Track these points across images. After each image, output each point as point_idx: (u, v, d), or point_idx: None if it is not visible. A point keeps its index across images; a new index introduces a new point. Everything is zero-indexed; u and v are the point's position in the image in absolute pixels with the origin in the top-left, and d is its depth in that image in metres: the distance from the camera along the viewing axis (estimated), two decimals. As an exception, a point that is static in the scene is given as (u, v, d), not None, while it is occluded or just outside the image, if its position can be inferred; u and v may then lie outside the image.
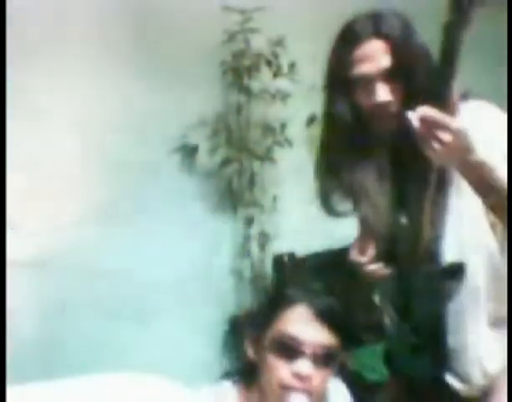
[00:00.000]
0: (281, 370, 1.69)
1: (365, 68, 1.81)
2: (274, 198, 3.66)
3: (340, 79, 1.89)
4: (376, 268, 1.94)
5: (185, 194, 3.55)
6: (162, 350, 3.37)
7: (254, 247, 3.62)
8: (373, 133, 1.88)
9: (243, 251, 3.64)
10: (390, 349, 2.08)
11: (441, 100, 1.59)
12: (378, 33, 1.80)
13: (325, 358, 1.71)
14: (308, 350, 1.69)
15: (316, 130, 3.72)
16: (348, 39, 1.85)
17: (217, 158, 3.57)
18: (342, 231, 3.28)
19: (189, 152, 3.54)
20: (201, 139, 3.54)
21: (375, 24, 1.81)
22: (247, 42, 3.52)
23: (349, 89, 1.87)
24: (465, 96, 1.82)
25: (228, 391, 1.79)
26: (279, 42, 3.52)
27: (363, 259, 1.95)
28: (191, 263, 3.53)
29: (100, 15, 3.37)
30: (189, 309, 3.48)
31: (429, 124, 1.57)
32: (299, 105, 3.61)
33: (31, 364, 3.05)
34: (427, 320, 1.90)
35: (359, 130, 1.89)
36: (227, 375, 1.84)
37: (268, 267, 3.58)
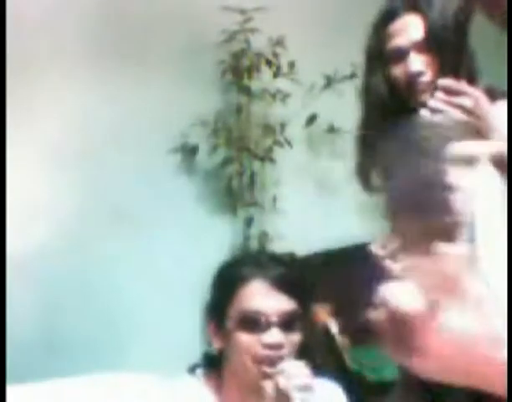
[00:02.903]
0: (252, 346, 1.73)
1: (398, 40, 1.89)
2: (274, 198, 3.66)
3: (377, 54, 1.95)
4: (393, 263, 1.94)
5: (185, 194, 3.54)
6: (161, 350, 3.37)
7: (254, 247, 3.62)
8: (408, 108, 1.91)
9: (243, 251, 3.64)
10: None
11: (466, 73, 1.66)
12: (412, 8, 1.88)
13: (290, 323, 1.75)
14: (273, 319, 1.73)
15: (317, 129, 3.74)
16: (384, 15, 1.94)
17: (217, 158, 3.56)
18: (342, 231, 3.29)
19: (189, 152, 3.54)
20: (201, 139, 3.53)
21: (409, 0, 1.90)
22: (247, 42, 3.52)
23: (385, 63, 1.93)
24: (492, 95, 1.84)
25: (198, 383, 1.81)
26: (279, 42, 3.51)
27: (383, 252, 1.95)
28: (191, 263, 3.53)
29: (99, 16, 3.37)
30: (189, 309, 3.47)
31: (450, 93, 1.63)
32: (299, 105, 3.61)
33: (31, 364, 3.05)
34: None
35: (394, 104, 1.94)
36: (194, 367, 1.86)
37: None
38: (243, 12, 3.44)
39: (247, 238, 3.63)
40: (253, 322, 1.74)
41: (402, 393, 2.14)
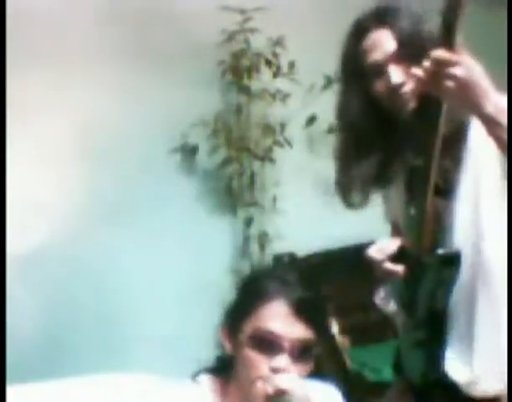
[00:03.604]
0: (259, 365, 1.69)
1: (374, 55, 1.89)
2: (274, 198, 3.66)
3: (355, 73, 1.95)
4: (391, 267, 1.94)
5: (185, 194, 3.55)
6: (161, 350, 3.37)
7: (254, 247, 3.62)
8: (389, 121, 1.92)
9: (243, 251, 3.64)
10: (397, 348, 2.08)
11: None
12: (381, 23, 1.90)
13: (302, 353, 1.71)
14: (286, 345, 1.69)
15: (317, 129, 3.74)
16: (356, 33, 1.95)
17: (217, 158, 3.56)
18: (342, 231, 3.29)
19: (189, 152, 3.54)
20: (201, 139, 3.54)
21: (378, 16, 1.92)
22: (246, 42, 3.52)
23: (364, 79, 1.93)
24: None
25: (206, 386, 1.80)
26: (279, 42, 3.52)
27: (380, 256, 1.95)
28: (190, 263, 3.53)
29: (99, 16, 3.37)
30: (188, 309, 3.48)
31: (441, 65, 1.63)
32: (299, 105, 3.61)
33: (31, 364, 3.05)
34: (432, 314, 1.90)
35: (376, 120, 1.95)
36: (204, 370, 1.85)
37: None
38: (242, 12, 3.44)
39: (247, 238, 3.63)
40: (265, 342, 1.69)
41: (396, 395, 2.14)
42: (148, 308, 3.42)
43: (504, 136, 1.70)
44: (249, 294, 1.80)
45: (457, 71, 1.63)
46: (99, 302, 3.34)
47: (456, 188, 1.89)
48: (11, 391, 1.77)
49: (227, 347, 1.78)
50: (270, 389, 1.67)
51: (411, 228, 1.92)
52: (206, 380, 1.81)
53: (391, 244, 1.95)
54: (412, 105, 1.86)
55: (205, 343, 3.48)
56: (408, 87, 1.86)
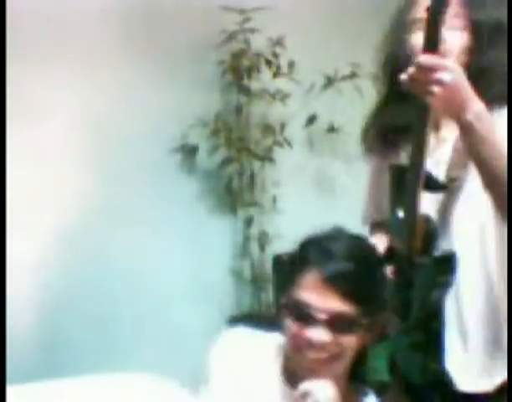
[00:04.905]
0: (295, 334, 1.67)
1: (416, 11, 1.91)
2: (274, 198, 3.66)
3: (399, 27, 1.97)
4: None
5: (185, 194, 3.54)
6: (161, 350, 3.37)
7: (254, 247, 3.62)
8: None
9: (243, 251, 3.64)
10: (392, 351, 2.08)
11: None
12: None
13: (341, 326, 1.65)
14: (322, 316, 1.64)
15: (317, 129, 3.75)
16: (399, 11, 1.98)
17: (217, 158, 3.57)
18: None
19: (189, 152, 3.54)
20: (201, 139, 3.54)
21: None
22: (246, 42, 3.52)
23: (405, 33, 1.94)
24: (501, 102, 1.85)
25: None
26: (279, 42, 3.52)
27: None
28: (190, 263, 3.53)
29: (100, 16, 3.37)
30: (189, 309, 3.48)
31: (428, 69, 1.63)
32: (299, 105, 3.61)
33: (31, 364, 3.06)
34: (427, 316, 1.90)
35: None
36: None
37: (268, 267, 3.58)
38: (242, 12, 3.44)
39: (247, 238, 3.63)
40: (300, 313, 1.66)
41: (392, 396, 2.14)
42: (148, 308, 3.42)
43: (479, 145, 1.71)
44: (294, 262, 1.76)
45: (444, 76, 1.64)
46: (99, 302, 3.34)
47: (453, 186, 1.89)
48: (11, 391, 1.77)
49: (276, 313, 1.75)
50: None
51: (399, 229, 1.90)
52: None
53: (379, 246, 1.93)
54: None
55: (205, 343, 3.49)
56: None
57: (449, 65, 1.65)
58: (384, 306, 1.74)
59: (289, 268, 1.77)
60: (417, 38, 1.87)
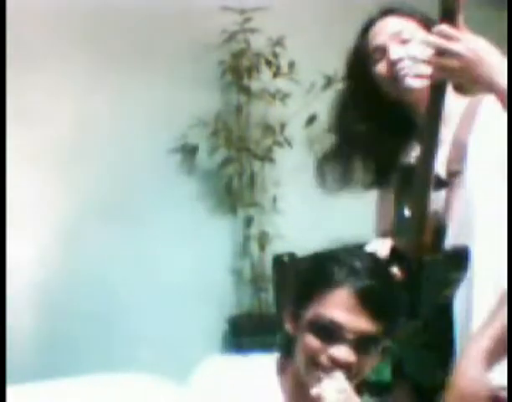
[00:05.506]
0: (316, 351, 1.64)
1: (378, 39, 1.93)
2: (274, 198, 3.66)
3: (360, 60, 1.99)
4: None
5: (185, 194, 3.55)
6: (161, 350, 3.37)
7: (254, 247, 3.62)
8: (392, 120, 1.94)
9: (243, 251, 3.64)
10: (398, 351, 2.07)
11: None
12: (387, 12, 1.95)
13: (366, 345, 1.64)
14: (348, 336, 1.63)
15: (317, 129, 3.74)
16: (363, 29, 1.99)
17: (217, 158, 3.57)
18: (342, 231, 3.29)
19: (189, 152, 3.54)
20: (201, 139, 3.54)
21: (384, 10, 1.97)
22: (246, 42, 3.52)
23: (369, 65, 1.96)
24: None
25: (267, 364, 1.75)
26: (279, 42, 3.52)
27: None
28: (190, 263, 3.53)
29: (98, 16, 3.37)
30: (189, 309, 3.48)
31: (442, 41, 1.62)
32: (299, 105, 3.61)
33: (31, 364, 3.06)
34: (436, 314, 1.88)
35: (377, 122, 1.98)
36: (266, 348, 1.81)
37: (268, 267, 3.58)
38: (242, 12, 3.44)
39: (247, 238, 3.63)
40: (325, 330, 1.63)
41: (395, 395, 2.13)
42: (148, 308, 3.42)
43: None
44: (315, 277, 1.73)
45: (459, 48, 1.60)
46: (99, 302, 3.34)
47: (459, 182, 1.88)
48: (11, 391, 1.78)
49: (290, 328, 1.72)
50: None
51: (405, 228, 1.90)
52: (266, 360, 1.77)
53: (383, 247, 1.92)
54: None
55: (205, 343, 3.49)
56: (407, 62, 1.86)
57: (464, 37, 1.61)
58: (401, 325, 1.73)
59: (303, 281, 1.76)
60: (381, 68, 1.92)
